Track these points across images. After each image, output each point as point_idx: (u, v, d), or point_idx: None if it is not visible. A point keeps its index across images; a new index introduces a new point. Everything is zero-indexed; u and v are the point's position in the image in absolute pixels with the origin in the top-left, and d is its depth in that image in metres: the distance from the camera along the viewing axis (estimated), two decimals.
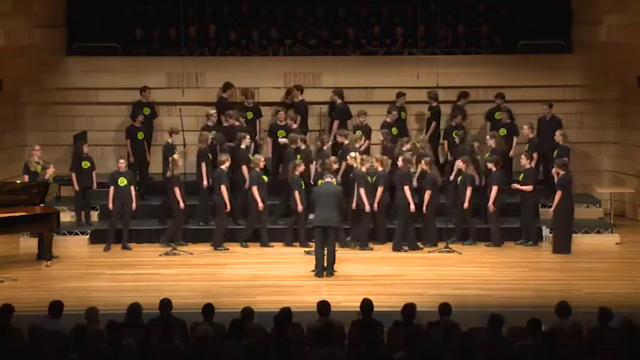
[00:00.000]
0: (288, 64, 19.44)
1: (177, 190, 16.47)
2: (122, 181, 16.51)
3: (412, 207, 16.35)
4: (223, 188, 16.42)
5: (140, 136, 18.13)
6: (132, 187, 16.60)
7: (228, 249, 16.60)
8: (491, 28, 19.92)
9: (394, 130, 18.01)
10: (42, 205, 15.75)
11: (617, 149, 19.39)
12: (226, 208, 16.50)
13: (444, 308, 10.49)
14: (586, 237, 17.02)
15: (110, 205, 16.55)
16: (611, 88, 19.22)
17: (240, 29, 19.87)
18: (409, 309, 10.49)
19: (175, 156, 16.65)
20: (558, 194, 16.24)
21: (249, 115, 18.48)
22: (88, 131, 18.89)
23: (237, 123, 17.93)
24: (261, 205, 16.46)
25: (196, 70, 18.49)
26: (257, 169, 16.59)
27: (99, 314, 10.42)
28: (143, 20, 20.06)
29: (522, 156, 16.82)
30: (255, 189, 16.46)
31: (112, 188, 16.51)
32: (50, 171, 16.24)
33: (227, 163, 16.63)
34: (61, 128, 19.13)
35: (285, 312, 10.37)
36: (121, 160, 16.77)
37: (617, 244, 17.02)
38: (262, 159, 16.82)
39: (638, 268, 15.41)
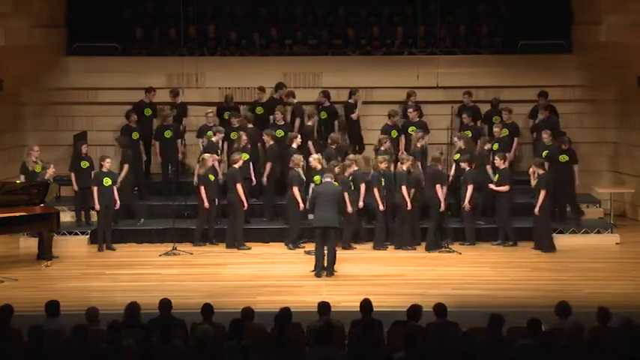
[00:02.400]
0: (288, 64, 19.44)
1: (202, 190, 16.50)
2: (107, 182, 16.47)
3: (443, 206, 16.38)
4: (239, 187, 16.39)
5: (135, 135, 18.12)
6: (115, 187, 16.57)
7: (250, 248, 16.61)
8: (491, 28, 19.92)
9: (393, 133, 18.00)
10: (42, 205, 15.75)
11: (617, 149, 19.39)
12: (243, 207, 16.49)
13: (439, 309, 10.48)
14: (586, 237, 17.03)
15: (96, 206, 16.53)
16: (611, 88, 19.22)
17: (240, 29, 19.88)
18: (415, 310, 10.46)
19: (206, 155, 16.73)
20: (542, 193, 16.25)
21: (148, 111, 18.65)
22: (88, 131, 18.90)
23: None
24: (302, 205, 16.36)
25: (196, 70, 18.48)
26: (297, 169, 16.46)
27: (99, 314, 10.41)
28: (143, 20, 20.07)
29: (496, 157, 16.80)
30: (296, 189, 16.33)
31: (95, 189, 16.46)
32: (50, 171, 16.23)
33: (240, 162, 16.61)
34: (61, 128, 19.14)
35: (285, 312, 10.36)
36: (107, 160, 16.64)
37: (617, 244, 17.02)
38: (302, 158, 16.66)
39: (638, 268, 15.41)
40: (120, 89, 19.08)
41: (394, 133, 18.01)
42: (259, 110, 18.66)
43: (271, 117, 18.32)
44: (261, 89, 18.79)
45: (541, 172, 16.45)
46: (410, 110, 18.31)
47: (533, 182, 16.58)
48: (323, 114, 18.60)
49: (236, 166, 16.56)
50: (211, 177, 16.65)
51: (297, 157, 16.51)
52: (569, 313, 10.37)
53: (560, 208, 17.27)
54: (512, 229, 16.76)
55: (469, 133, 17.88)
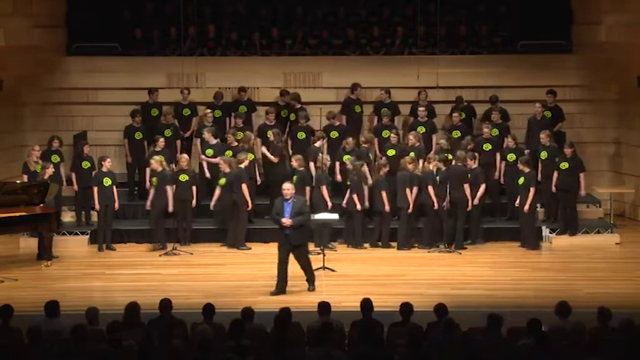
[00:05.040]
0: (288, 64, 19.44)
1: (167, 189, 16.55)
2: (107, 182, 16.47)
3: (469, 205, 16.42)
4: (244, 187, 16.39)
5: (138, 136, 18.13)
6: (114, 187, 16.56)
7: (250, 248, 16.59)
8: (491, 28, 19.92)
9: (385, 133, 17.98)
10: (42, 205, 15.74)
11: (617, 149, 19.40)
12: (248, 207, 16.49)
13: (440, 309, 10.49)
14: (586, 237, 17.03)
15: (97, 206, 16.53)
16: (611, 88, 19.22)
17: (240, 29, 19.88)
18: (407, 308, 10.50)
19: (183, 156, 16.92)
20: (532, 191, 16.28)
21: (187, 111, 18.68)
22: (88, 131, 18.91)
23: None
24: (330, 203, 16.37)
25: (196, 70, 18.50)
26: (324, 169, 16.49)
27: (99, 314, 10.41)
28: (143, 20, 20.07)
29: (467, 157, 16.79)
30: (324, 188, 16.37)
31: (95, 189, 16.45)
32: (49, 171, 16.22)
33: (246, 162, 16.61)
34: (61, 128, 19.11)
35: (285, 312, 10.37)
36: (107, 160, 16.62)
37: (617, 244, 17.03)
38: (329, 158, 16.78)
39: (638, 268, 15.41)
40: (120, 89, 19.10)
41: (386, 133, 17.97)
42: (242, 109, 18.70)
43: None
44: (242, 90, 18.82)
45: (527, 170, 16.48)
46: (420, 109, 18.34)
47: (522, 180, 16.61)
48: (292, 116, 18.62)
49: (242, 165, 16.56)
50: (182, 177, 16.61)
51: (325, 157, 16.64)
52: (569, 313, 10.37)
53: (555, 215, 17.30)
54: (481, 229, 16.79)
55: (458, 133, 17.94)
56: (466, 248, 16.50)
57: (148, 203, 16.60)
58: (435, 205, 16.37)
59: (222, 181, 16.56)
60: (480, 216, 16.87)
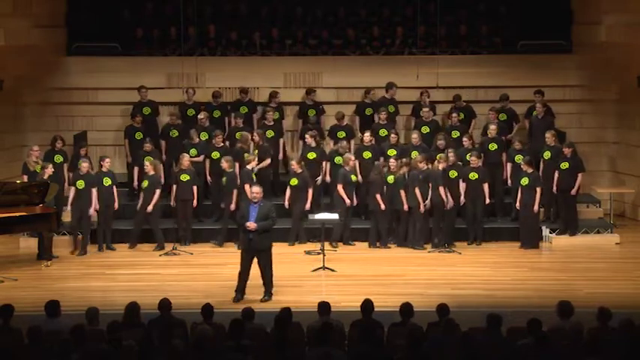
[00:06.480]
0: (288, 64, 19.44)
1: (173, 189, 16.61)
2: (106, 181, 16.48)
3: (448, 204, 16.48)
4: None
5: (138, 136, 18.10)
6: (114, 187, 16.56)
7: None
8: (491, 28, 19.92)
9: (382, 132, 18.02)
10: (42, 205, 15.74)
11: (617, 149, 19.40)
12: None
13: (442, 309, 10.49)
14: (586, 237, 17.03)
15: (96, 206, 16.48)
16: (611, 88, 19.22)
17: (240, 29, 19.88)
18: (408, 308, 10.50)
19: (184, 155, 16.90)
20: (539, 191, 16.35)
21: (191, 112, 18.69)
22: (88, 131, 18.90)
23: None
24: (348, 201, 16.45)
25: (196, 70, 18.49)
26: (346, 168, 16.57)
27: (99, 314, 10.41)
28: (143, 20, 20.07)
29: (472, 156, 16.78)
30: (340, 187, 16.42)
31: (94, 189, 16.43)
32: (49, 171, 16.22)
33: (253, 163, 16.59)
34: (61, 128, 19.09)
35: (285, 312, 10.37)
36: (107, 160, 16.64)
37: (617, 244, 17.03)
38: (352, 158, 16.84)
39: (638, 268, 15.41)
40: (120, 89, 19.09)
41: (383, 132, 17.98)
42: (243, 110, 18.68)
43: (376, 116, 18.48)
44: (244, 91, 18.83)
45: (530, 170, 16.49)
46: (425, 110, 18.35)
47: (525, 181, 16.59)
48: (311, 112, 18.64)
49: (248, 166, 16.54)
50: (183, 177, 16.58)
51: (347, 157, 16.74)
52: (570, 313, 10.36)
53: (555, 215, 17.38)
54: (482, 229, 16.87)
55: (457, 133, 17.98)
56: (455, 246, 16.50)
57: (68, 207, 16.50)
58: (446, 204, 16.40)
59: (145, 183, 16.50)
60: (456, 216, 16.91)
